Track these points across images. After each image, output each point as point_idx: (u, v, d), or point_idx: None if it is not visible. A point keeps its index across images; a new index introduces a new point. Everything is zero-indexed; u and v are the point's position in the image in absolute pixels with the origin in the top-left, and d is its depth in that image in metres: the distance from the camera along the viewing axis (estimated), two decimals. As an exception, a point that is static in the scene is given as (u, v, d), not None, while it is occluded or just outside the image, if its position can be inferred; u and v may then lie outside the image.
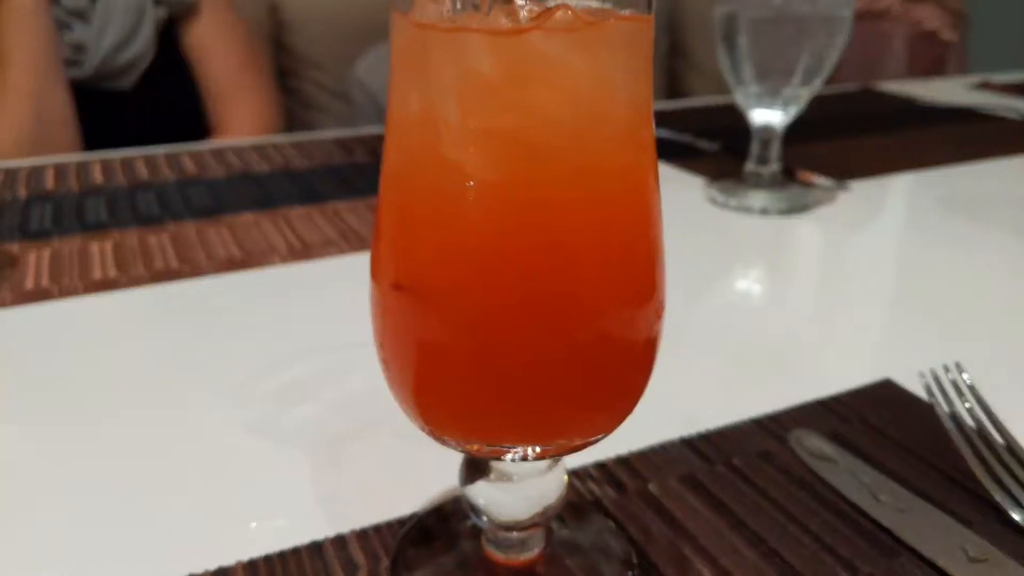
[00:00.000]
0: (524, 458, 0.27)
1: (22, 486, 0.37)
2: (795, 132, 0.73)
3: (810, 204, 0.72)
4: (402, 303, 0.25)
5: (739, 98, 0.71)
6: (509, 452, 0.26)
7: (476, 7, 0.22)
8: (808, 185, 0.76)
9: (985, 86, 1.24)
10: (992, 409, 0.40)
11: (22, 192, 0.75)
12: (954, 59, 1.58)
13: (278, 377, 0.46)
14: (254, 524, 0.34)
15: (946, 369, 0.42)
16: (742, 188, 0.73)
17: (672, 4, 2.01)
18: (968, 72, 1.53)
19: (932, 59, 1.52)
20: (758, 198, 0.71)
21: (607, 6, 0.24)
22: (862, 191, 0.77)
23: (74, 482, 0.37)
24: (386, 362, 0.27)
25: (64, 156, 0.86)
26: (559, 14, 0.22)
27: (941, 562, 0.32)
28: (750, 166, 0.73)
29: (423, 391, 0.26)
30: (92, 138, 1.05)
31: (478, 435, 0.26)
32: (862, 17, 1.46)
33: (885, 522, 0.34)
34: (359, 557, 0.32)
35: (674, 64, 2.03)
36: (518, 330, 0.24)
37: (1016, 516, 0.34)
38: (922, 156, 0.88)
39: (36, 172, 0.81)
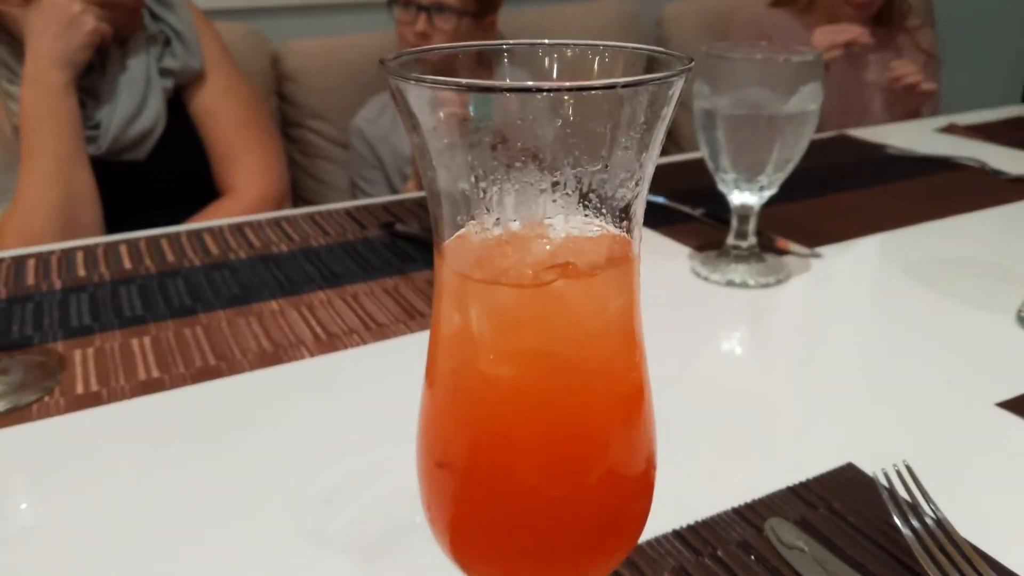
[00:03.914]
0: (546, 593, 0.33)
1: (112, 598, 0.43)
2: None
3: (784, 277, 0.79)
4: (444, 478, 0.32)
5: (718, 181, 0.77)
6: (534, 590, 0.33)
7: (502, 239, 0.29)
8: (783, 254, 0.83)
9: (951, 129, 1.31)
10: (929, 494, 0.47)
11: (56, 281, 0.81)
12: (929, 103, 1.66)
13: (319, 480, 0.52)
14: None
15: (897, 471, 0.49)
16: (723, 261, 0.80)
17: (660, 43, 2.09)
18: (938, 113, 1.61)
19: (911, 108, 1.59)
20: (738, 272, 0.78)
21: (597, 232, 0.31)
22: (834, 257, 0.84)
23: (156, 593, 0.43)
24: (432, 521, 0.33)
25: (92, 239, 0.92)
26: (567, 270, 0.28)
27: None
28: (730, 240, 0.80)
29: (461, 544, 0.32)
30: (112, 209, 1.11)
31: (509, 578, 0.32)
32: (835, 61, 1.53)
33: (844, 610, 0.41)
34: (406, 657, 0.39)
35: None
36: (538, 497, 0.31)
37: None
38: (891, 215, 0.95)
39: (67, 256, 0.87)
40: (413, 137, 0.28)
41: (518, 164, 0.29)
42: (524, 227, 0.30)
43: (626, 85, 0.25)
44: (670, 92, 0.26)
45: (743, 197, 0.77)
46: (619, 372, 0.31)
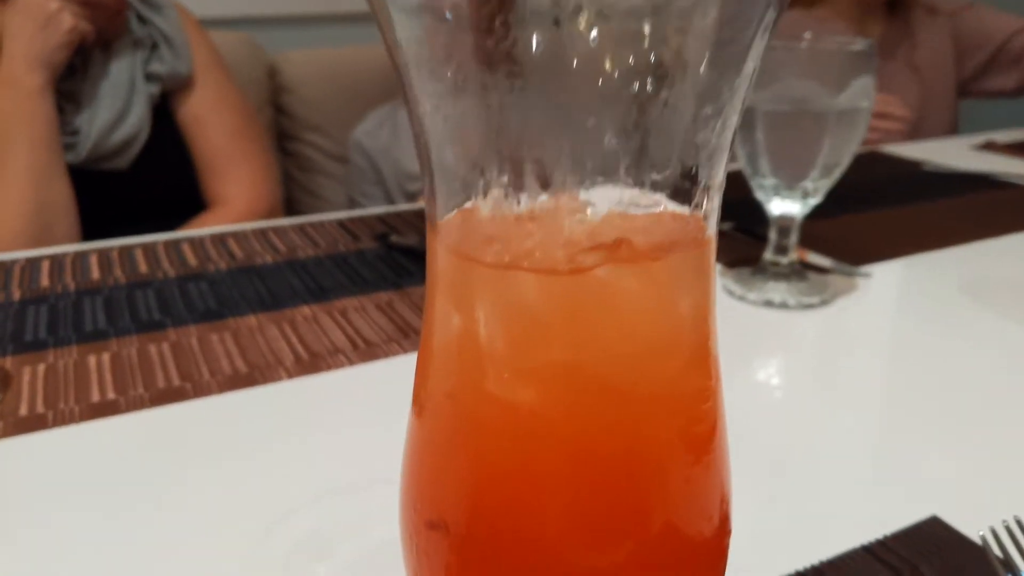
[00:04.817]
0: None
1: None
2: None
3: (830, 298, 0.70)
4: (439, 543, 0.23)
5: (755, 188, 0.69)
6: None
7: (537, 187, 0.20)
8: (826, 273, 0.74)
9: (989, 147, 1.23)
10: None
11: (16, 292, 0.73)
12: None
13: (290, 527, 0.43)
14: None
15: (1007, 529, 0.39)
16: (760, 279, 0.71)
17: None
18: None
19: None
20: (777, 291, 0.69)
21: (659, 208, 0.22)
22: (882, 278, 0.75)
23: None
24: (423, 602, 0.24)
25: (61, 247, 0.84)
26: (621, 251, 0.20)
27: None
28: (768, 255, 0.71)
29: (465, 637, 0.23)
30: (92, 221, 1.03)
31: None
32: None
33: None
34: None
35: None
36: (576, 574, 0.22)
37: None
38: (939, 233, 0.87)
39: (32, 265, 0.78)
40: (397, 56, 0.20)
41: (547, 103, 0.20)
42: (553, 200, 0.22)
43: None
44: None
45: (784, 206, 0.68)
46: (687, 400, 0.22)
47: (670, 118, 0.20)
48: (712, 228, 0.22)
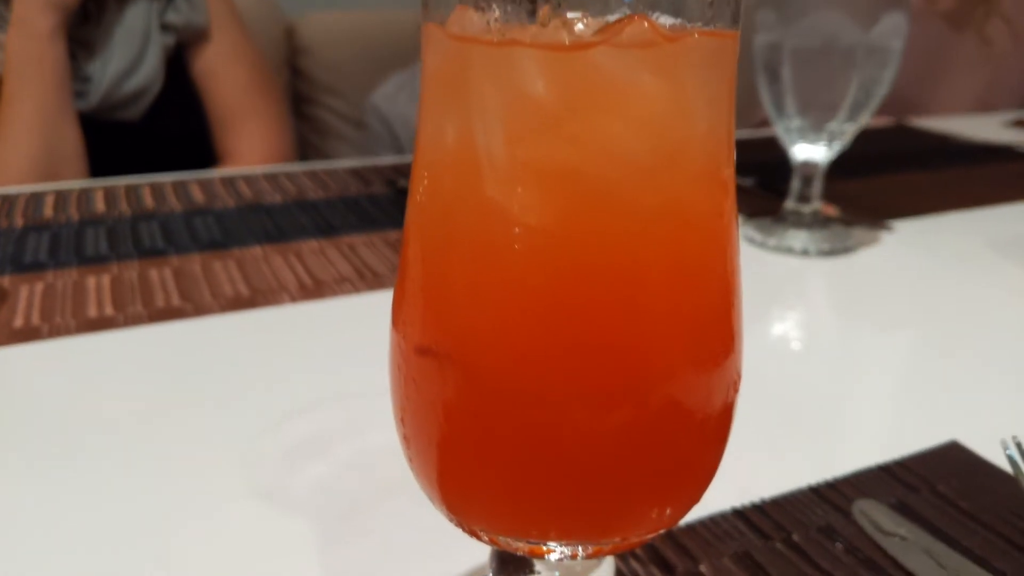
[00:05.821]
0: (573, 557, 0.22)
1: (3, 542, 0.32)
2: (831, 168, 0.69)
3: (853, 246, 0.67)
4: (429, 371, 0.21)
5: (780, 132, 0.67)
6: (554, 551, 0.22)
7: (531, 14, 0.19)
8: (849, 225, 0.72)
9: (1020, 123, 1.20)
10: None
11: (19, 220, 0.72)
12: None
13: (287, 431, 0.41)
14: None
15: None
16: (781, 227, 0.69)
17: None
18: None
19: None
20: (798, 238, 0.67)
21: (682, 22, 0.20)
22: (906, 232, 0.73)
23: (58, 543, 0.33)
24: (407, 439, 0.22)
25: (66, 183, 0.83)
26: (632, 27, 0.18)
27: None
28: (790, 204, 0.69)
29: (452, 476, 0.22)
30: (100, 171, 1.02)
31: (517, 530, 0.21)
32: None
33: (980, 621, 0.30)
34: (369, 654, 0.28)
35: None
36: (572, 405, 0.20)
37: None
38: (964, 195, 0.84)
39: (36, 198, 0.77)
40: None
41: None
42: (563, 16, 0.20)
43: None
44: None
45: (809, 151, 0.66)
46: (698, 216, 0.20)
47: None
48: (732, 24, 0.20)
